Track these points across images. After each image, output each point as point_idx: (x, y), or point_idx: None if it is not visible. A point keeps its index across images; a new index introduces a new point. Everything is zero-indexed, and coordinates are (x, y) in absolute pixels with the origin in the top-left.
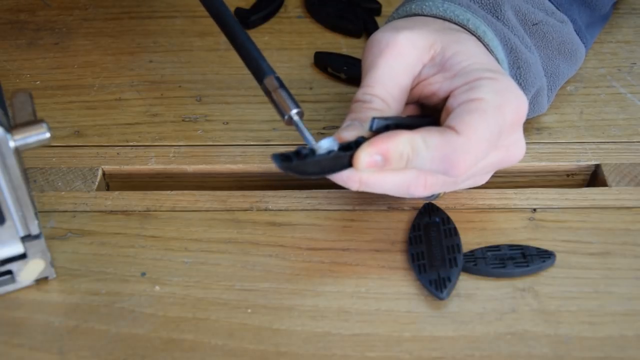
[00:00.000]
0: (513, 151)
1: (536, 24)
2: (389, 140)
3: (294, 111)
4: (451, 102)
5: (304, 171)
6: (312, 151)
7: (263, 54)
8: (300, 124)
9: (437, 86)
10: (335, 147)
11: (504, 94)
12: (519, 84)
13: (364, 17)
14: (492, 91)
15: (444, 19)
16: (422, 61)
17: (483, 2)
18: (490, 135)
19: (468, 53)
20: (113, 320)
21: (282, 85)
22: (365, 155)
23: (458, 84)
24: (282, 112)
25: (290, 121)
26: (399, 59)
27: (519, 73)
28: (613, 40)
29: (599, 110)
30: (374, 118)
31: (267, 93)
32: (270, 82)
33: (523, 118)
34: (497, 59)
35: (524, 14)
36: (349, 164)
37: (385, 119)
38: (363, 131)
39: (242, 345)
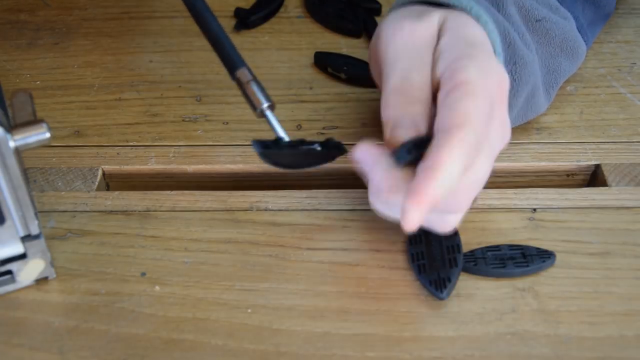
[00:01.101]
0: (504, 127)
1: (539, 20)
2: (429, 190)
3: (265, 105)
4: (440, 93)
5: (278, 162)
6: (291, 143)
7: (234, 45)
8: (271, 118)
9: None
10: None
11: (486, 71)
12: (513, 80)
13: (364, 17)
14: (475, 69)
15: (448, 6)
16: (433, 46)
17: None
18: (484, 113)
19: (456, 32)
20: (113, 320)
21: (254, 77)
22: (415, 215)
23: (442, 68)
24: (253, 105)
25: (262, 115)
26: (421, 51)
27: (514, 69)
28: (613, 40)
29: (599, 110)
30: (398, 156)
31: (239, 86)
32: (242, 74)
33: (506, 93)
34: (495, 52)
35: (528, 10)
36: (324, 160)
37: (408, 150)
38: (419, 129)
39: (242, 345)
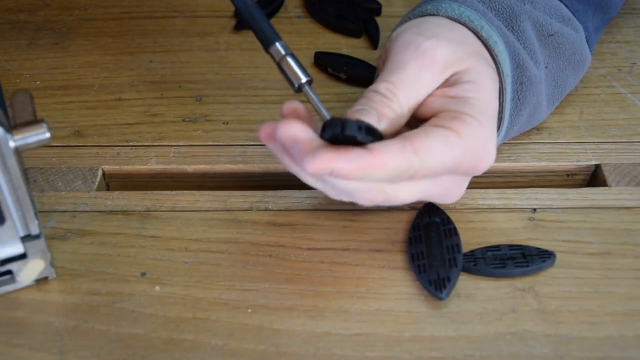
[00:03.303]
0: (453, 190)
1: (552, 35)
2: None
3: (303, 80)
4: (432, 120)
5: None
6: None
7: (269, 21)
8: (311, 93)
9: (430, 99)
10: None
11: (479, 143)
12: (517, 99)
13: (364, 17)
14: (474, 134)
15: (458, 22)
16: (444, 78)
17: (500, 11)
18: (444, 163)
19: (481, 88)
20: (113, 320)
21: (289, 52)
22: (317, 165)
23: (448, 108)
24: (291, 81)
25: (300, 90)
26: (429, 72)
27: (520, 89)
28: (613, 40)
29: (599, 110)
30: (348, 125)
31: (275, 62)
32: (276, 49)
33: (479, 172)
34: (502, 73)
35: (542, 25)
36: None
37: (359, 127)
38: (377, 123)
39: (242, 345)
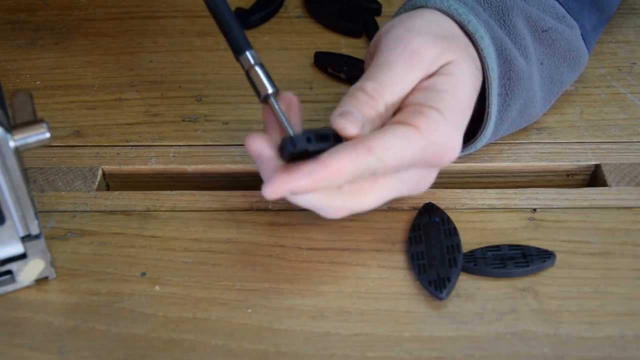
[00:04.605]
0: (422, 183)
1: (546, 30)
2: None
3: (270, 91)
4: (396, 116)
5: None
6: (317, 140)
7: (242, 28)
8: (276, 105)
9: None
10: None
11: (439, 137)
12: (505, 94)
13: (364, 17)
14: (432, 128)
15: (446, 15)
16: (429, 73)
17: (492, 5)
18: (404, 159)
19: (455, 81)
20: (113, 320)
21: (258, 62)
22: (276, 191)
23: (415, 101)
24: (257, 91)
25: (266, 101)
26: (416, 71)
27: (508, 84)
28: (613, 40)
29: (599, 110)
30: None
31: (243, 70)
32: (245, 59)
33: (444, 164)
34: (487, 67)
35: (535, 21)
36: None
37: (307, 139)
38: (362, 129)
39: (242, 345)
